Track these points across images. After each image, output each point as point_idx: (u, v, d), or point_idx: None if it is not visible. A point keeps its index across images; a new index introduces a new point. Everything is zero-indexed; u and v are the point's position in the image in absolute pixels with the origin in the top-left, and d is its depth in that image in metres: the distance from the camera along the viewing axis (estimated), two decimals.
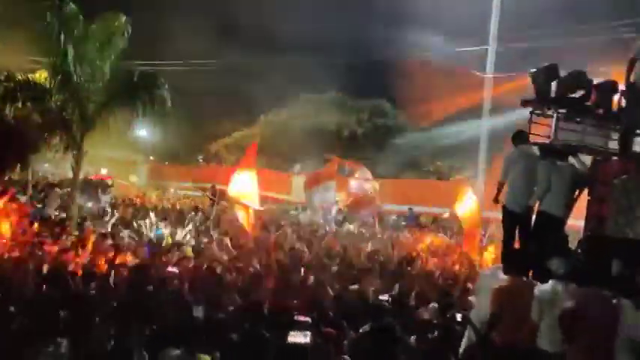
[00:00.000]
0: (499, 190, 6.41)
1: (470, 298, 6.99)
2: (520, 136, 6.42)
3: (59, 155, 14.39)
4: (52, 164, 24.21)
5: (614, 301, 4.70)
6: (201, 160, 31.89)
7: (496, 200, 6.44)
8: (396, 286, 7.78)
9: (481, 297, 5.85)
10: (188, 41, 27.58)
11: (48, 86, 13.54)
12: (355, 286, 7.66)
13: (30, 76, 13.83)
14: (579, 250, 6.06)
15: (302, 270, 8.92)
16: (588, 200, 6.35)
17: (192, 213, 16.35)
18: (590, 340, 4.59)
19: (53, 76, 13.39)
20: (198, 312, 5.75)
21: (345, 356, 5.04)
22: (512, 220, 6.33)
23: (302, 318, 5.26)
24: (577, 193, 6.33)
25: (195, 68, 28.12)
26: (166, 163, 31.37)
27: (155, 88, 13.72)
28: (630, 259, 5.29)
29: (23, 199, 13.43)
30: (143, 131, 32.50)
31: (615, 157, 6.21)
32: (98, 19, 13.83)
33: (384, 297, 6.83)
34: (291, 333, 4.58)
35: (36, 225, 10.67)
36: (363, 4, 28.02)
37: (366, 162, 27.23)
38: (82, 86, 13.53)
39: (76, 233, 11.51)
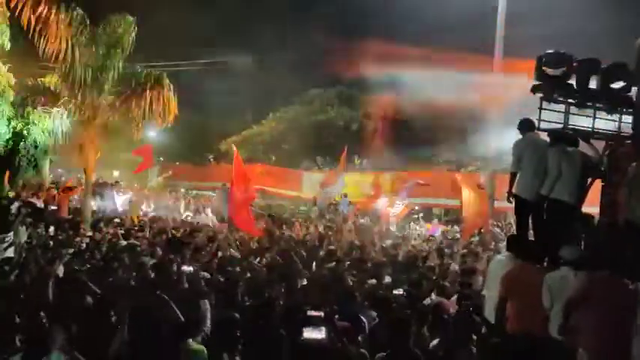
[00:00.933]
0: (512, 182, 6.35)
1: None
2: (527, 124, 6.35)
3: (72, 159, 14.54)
4: (64, 168, 24.47)
5: (631, 286, 4.65)
6: (211, 160, 31.93)
7: (510, 194, 6.36)
8: (411, 279, 7.73)
9: (492, 284, 5.82)
10: (194, 40, 27.66)
11: (58, 90, 13.69)
12: (373, 281, 7.63)
13: (40, 80, 13.98)
14: (594, 236, 6.01)
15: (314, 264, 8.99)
16: (602, 186, 6.30)
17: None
18: (602, 325, 4.52)
19: (63, 81, 13.53)
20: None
21: (362, 350, 5.04)
22: (525, 208, 6.29)
23: (315, 313, 5.28)
24: (589, 179, 6.27)
25: (202, 67, 28.22)
26: (177, 163, 31.47)
27: (162, 87, 13.81)
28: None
29: (38, 203, 13.56)
30: (152, 132, 32.65)
31: (628, 142, 6.14)
32: (104, 21, 13.93)
33: (399, 291, 6.81)
34: (306, 329, 4.60)
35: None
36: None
37: (376, 155, 27.30)
38: (91, 88, 13.65)
39: (90, 234, 11.63)
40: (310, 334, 4.59)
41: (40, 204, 13.43)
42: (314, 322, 4.74)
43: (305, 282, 7.49)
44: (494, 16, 15.60)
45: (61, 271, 6.98)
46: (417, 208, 22.18)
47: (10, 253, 9.35)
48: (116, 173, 29.16)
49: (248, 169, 13.17)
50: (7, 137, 13.59)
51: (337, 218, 16.54)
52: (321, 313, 5.02)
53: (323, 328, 4.66)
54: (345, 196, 19.66)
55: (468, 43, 19.37)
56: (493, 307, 5.44)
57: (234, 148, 10.92)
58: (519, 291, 5.19)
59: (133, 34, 13.91)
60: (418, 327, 5.35)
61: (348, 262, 8.98)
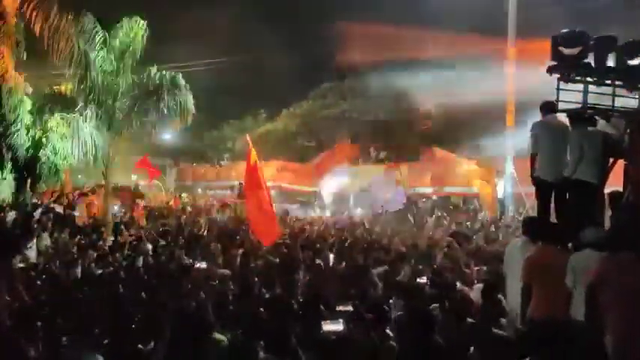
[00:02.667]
0: (532, 164, 6.26)
1: None
2: (548, 106, 6.26)
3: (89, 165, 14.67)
4: (83, 174, 24.72)
5: None
6: (226, 159, 32.08)
7: (532, 177, 6.27)
8: (435, 268, 7.66)
9: (510, 269, 5.76)
10: (206, 39, 27.74)
11: (74, 96, 13.83)
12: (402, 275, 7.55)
13: (56, 88, 14.14)
14: (618, 217, 5.89)
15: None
16: (625, 165, 6.17)
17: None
18: (627, 309, 4.39)
19: (78, 86, 13.67)
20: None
21: (391, 342, 5.00)
22: (546, 191, 6.21)
23: (343, 308, 5.27)
24: (612, 159, 6.16)
25: (215, 67, 28.31)
26: (193, 164, 31.69)
27: (177, 89, 13.88)
28: None
29: (59, 209, 13.74)
30: (168, 135, 32.95)
31: None
32: (117, 26, 14.03)
33: (423, 280, 6.77)
34: (326, 322, 4.59)
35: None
36: None
37: (392, 145, 27.16)
38: (106, 93, 13.78)
39: (112, 239, 11.78)
40: (329, 326, 4.59)
41: (61, 210, 13.62)
42: (339, 316, 4.75)
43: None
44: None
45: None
46: (434, 197, 22.11)
47: (34, 258, 9.56)
48: (134, 177, 29.44)
49: (262, 167, 12.89)
50: (27, 145, 13.78)
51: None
52: (349, 307, 5.02)
53: (341, 321, 4.66)
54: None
55: (480, 26, 19.19)
56: (514, 293, 5.38)
57: (249, 143, 10.41)
58: (542, 275, 5.10)
59: (145, 37, 13.98)
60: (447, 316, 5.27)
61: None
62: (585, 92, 6.15)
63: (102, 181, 15.13)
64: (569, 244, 5.49)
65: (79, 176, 24.74)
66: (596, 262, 4.78)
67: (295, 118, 32.48)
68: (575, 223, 5.60)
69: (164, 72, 14.43)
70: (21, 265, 8.12)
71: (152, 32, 14.21)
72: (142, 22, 14.08)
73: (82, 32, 13.27)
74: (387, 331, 4.96)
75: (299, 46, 29.54)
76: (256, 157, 10.01)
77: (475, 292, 6.20)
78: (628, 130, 6.16)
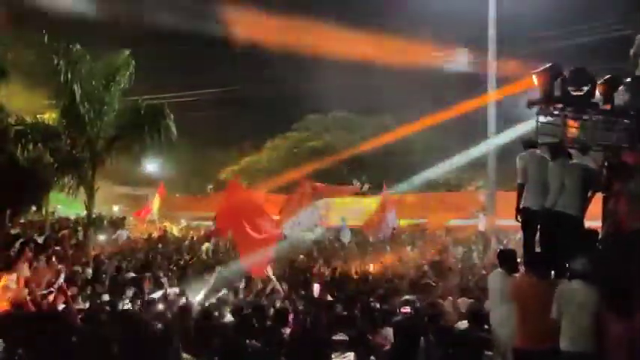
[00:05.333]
0: (519, 193, 6.38)
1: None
2: (529, 142, 6.44)
3: (72, 195, 14.51)
4: (64, 204, 24.39)
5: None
6: (210, 190, 32.00)
7: (517, 209, 6.38)
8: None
9: (494, 298, 5.84)
10: (191, 71, 27.97)
11: (58, 126, 13.79)
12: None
13: (40, 117, 14.09)
14: (600, 248, 6.00)
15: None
16: (603, 197, 6.32)
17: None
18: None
19: (62, 116, 13.65)
20: None
21: None
22: (531, 222, 6.31)
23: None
24: (591, 191, 6.30)
25: (200, 98, 28.49)
26: (177, 195, 31.51)
27: (162, 118, 13.93)
28: None
29: (40, 239, 13.52)
30: (152, 165, 32.86)
31: (626, 152, 6.20)
32: (103, 57, 14.13)
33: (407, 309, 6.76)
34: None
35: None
36: None
37: (376, 177, 27.38)
38: (91, 124, 13.76)
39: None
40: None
41: (40, 241, 13.40)
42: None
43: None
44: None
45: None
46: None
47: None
48: (115, 208, 29.12)
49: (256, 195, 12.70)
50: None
51: None
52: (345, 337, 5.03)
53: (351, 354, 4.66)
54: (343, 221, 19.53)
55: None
56: (497, 322, 5.45)
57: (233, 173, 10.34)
58: (523, 305, 5.19)
59: (132, 68, 14.08)
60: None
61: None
62: (564, 125, 6.33)
63: (83, 211, 14.96)
64: (552, 275, 5.58)
65: (59, 206, 24.42)
66: (582, 294, 4.88)
67: (279, 149, 32.67)
68: (557, 254, 5.70)
69: (149, 102, 14.51)
70: None
71: (139, 64, 14.33)
72: (127, 53, 14.22)
73: (70, 62, 13.31)
74: None
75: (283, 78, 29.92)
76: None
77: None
78: (606, 164, 6.35)
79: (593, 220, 6.39)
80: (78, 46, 13.52)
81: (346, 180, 28.07)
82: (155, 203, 21.89)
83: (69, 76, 13.17)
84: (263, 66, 29.03)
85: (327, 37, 22.51)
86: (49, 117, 14.58)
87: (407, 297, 6.90)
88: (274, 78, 28.82)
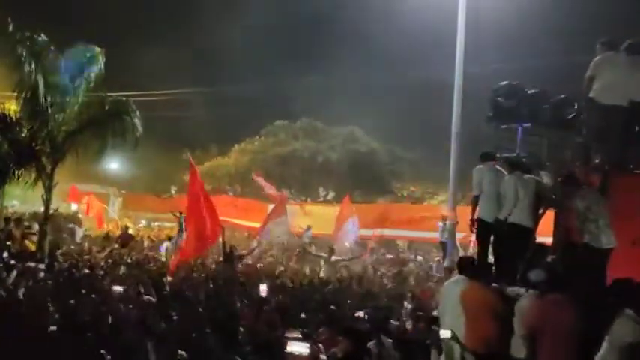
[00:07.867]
0: (474, 205, 6.55)
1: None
2: (487, 156, 6.65)
3: (28, 190, 14.10)
4: (19, 200, 23.67)
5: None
6: (174, 191, 31.57)
7: (472, 220, 6.54)
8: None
9: (446, 305, 5.98)
10: (160, 70, 27.68)
11: (17, 117, 13.40)
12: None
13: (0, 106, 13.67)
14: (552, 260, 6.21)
15: None
16: (555, 213, 6.56)
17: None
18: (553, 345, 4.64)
19: (23, 107, 13.28)
20: None
21: None
22: (486, 232, 6.49)
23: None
24: (543, 207, 6.53)
25: (166, 98, 28.19)
26: (139, 195, 31.00)
27: (126, 115, 13.68)
28: (596, 268, 5.50)
29: None
30: (115, 164, 32.27)
31: (577, 169, 6.45)
32: (70, 50, 13.83)
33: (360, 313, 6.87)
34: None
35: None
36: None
37: (342, 187, 27.56)
38: (52, 116, 13.42)
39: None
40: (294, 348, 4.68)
41: None
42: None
43: None
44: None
45: None
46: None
47: None
48: (74, 207, 28.43)
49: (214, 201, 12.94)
50: None
51: None
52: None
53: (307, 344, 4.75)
54: (309, 228, 19.66)
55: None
56: (448, 326, 5.59)
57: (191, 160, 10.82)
58: (472, 310, 5.32)
59: (102, 65, 13.81)
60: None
61: None
62: (521, 141, 6.56)
63: (41, 207, 14.53)
64: (502, 283, 5.75)
65: (14, 202, 23.69)
66: (535, 303, 5.05)
67: (246, 154, 32.54)
68: (509, 264, 5.89)
69: (115, 98, 14.24)
70: None
71: (110, 61, 14.08)
72: (97, 49, 13.94)
73: (33, 52, 12.99)
74: None
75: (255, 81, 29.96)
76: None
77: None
78: (558, 180, 6.59)
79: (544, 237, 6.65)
80: (43, 37, 13.21)
81: (312, 188, 28.20)
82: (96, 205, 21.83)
83: (32, 66, 12.84)
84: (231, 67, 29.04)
85: None
86: (9, 107, 14.16)
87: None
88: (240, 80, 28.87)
